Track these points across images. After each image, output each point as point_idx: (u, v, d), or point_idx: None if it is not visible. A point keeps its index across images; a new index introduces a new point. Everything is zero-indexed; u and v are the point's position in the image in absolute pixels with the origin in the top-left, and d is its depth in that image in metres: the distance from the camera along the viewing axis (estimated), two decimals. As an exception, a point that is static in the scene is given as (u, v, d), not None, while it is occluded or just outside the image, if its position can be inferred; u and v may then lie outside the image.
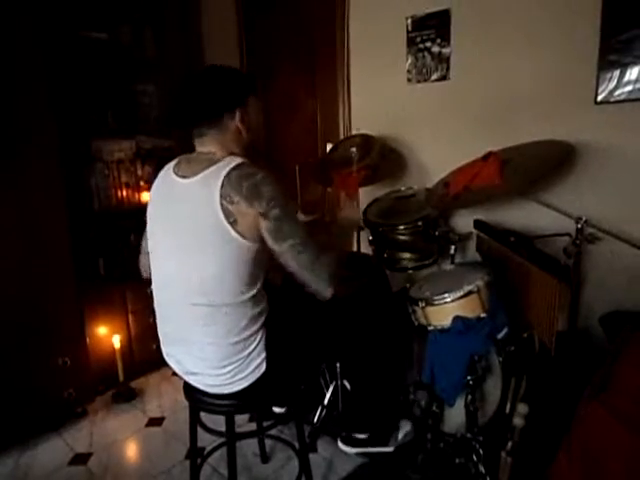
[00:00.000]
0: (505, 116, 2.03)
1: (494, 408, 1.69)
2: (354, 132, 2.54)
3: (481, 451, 1.60)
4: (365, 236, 2.16)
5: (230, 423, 1.37)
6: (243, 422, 2.04)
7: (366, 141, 2.28)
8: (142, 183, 2.48)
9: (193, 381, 1.34)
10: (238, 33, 3.02)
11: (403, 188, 2.30)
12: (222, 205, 1.15)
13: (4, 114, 1.81)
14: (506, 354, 1.70)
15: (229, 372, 1.25)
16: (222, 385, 1.28)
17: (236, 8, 2.99)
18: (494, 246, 1.84)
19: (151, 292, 1.37)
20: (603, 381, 1.23)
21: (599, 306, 1.81)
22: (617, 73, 1.72)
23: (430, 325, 1.65)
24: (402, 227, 1.98)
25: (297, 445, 1.55)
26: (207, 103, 1.27)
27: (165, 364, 1.40)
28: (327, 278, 1.26)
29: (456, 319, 1.57)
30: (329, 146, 2.55)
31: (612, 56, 1.72)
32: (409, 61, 2.30)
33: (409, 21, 2.26)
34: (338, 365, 1.89)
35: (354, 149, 2.10)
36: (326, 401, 1.93)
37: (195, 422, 1.47)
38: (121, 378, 2.35)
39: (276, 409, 1.95)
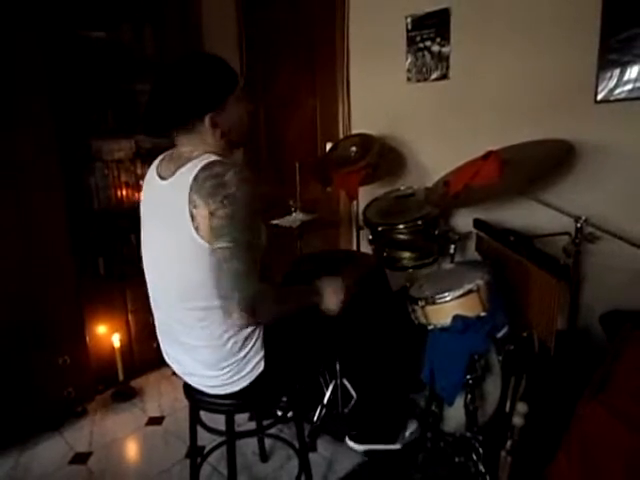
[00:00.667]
0: (505, 115, 2.03)
1: (494, 407, 1.69)
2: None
3: (481, 450, 1.60)
4: (365, 235, 2.16)
5: (230, 422, 1.37)
6: (243, 421, 2.04)
7: (365, 140, 2.27)
8: (142, 183, 2.46)
9: (192, 382, 1.34)
10: (238, 32, 3.02)
11: (403, 187, 2.30)
12: (191, 212, 1.10)
13: (4, 114, 1.81)
14: (506, 353, 1.70)
15: (227, 373, 1.24)
16: (221, 386, 1.27)
17: (236, 7, 3.00)
18: (494, 245, 1.84)
19: None
20: (603, 380, 1.23)
21: (599, 305, 1.81)
22: (617, 72, 1.72)
23: (430, 324, 1.65)
24: (402, 226, 1.99)
25: (297, 444, 1.55)
26: (171, 110, 1.18)
27: (165, 363, 1.40)
28: (241, 301, 1.09)
29: (456, 318, 1.57)
30: (329, 145, 2.55)
31: (612, 55, 1.72)
32: (409, 60, 2.30)
33: (409, 20, 2.26)
34: (337, 364, 1.88)
35: (354, 148, 2.10)
36: (326, 400, 1.93)
37: (195, 421, 1.47)
38: (121, 377, 2.35)
39: (279, 412, 1.95)
